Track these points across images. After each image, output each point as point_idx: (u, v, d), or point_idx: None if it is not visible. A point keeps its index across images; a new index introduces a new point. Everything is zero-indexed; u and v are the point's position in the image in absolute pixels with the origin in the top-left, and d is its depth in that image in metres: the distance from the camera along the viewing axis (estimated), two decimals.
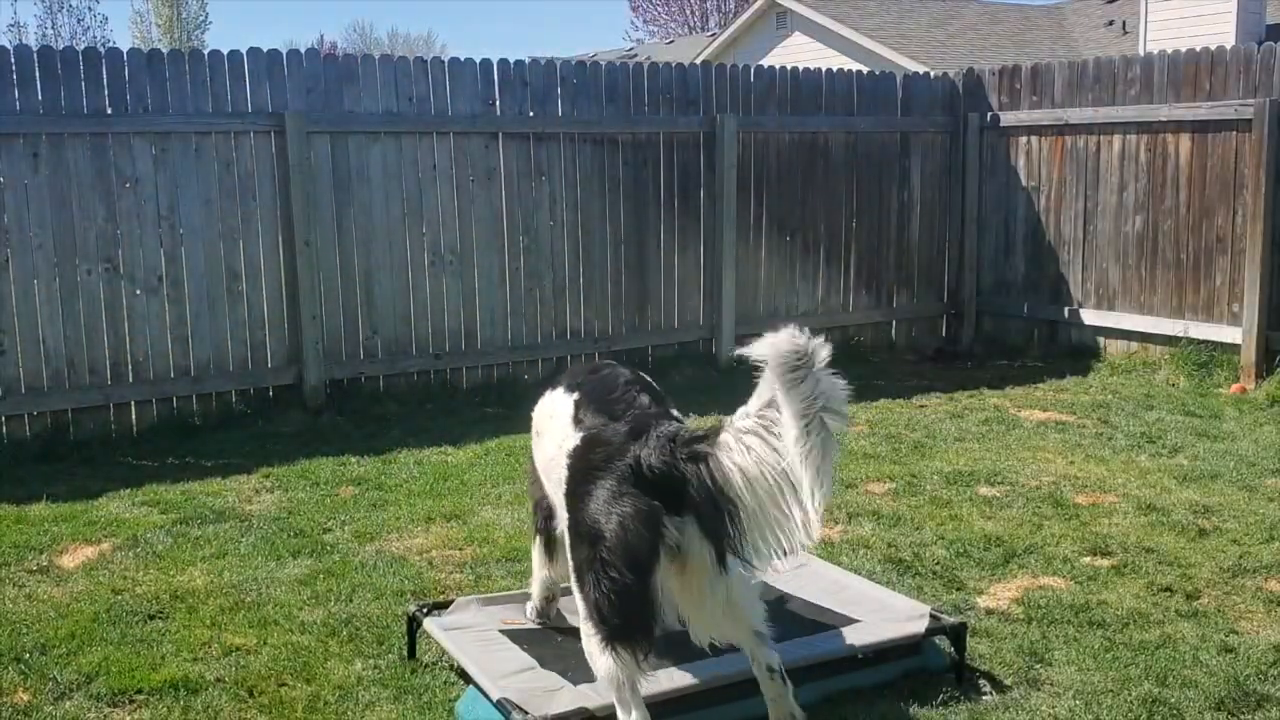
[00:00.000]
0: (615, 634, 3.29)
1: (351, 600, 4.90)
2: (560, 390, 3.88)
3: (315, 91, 8.22)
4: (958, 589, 4.95)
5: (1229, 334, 8.97)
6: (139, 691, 4.10)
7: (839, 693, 3.97)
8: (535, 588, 4.32)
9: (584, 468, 3.45)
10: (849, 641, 4.07)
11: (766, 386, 3.21)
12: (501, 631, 4.19)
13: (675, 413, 3.74)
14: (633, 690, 3.39)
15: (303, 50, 8.39)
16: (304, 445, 7.46)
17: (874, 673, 4.06)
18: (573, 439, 3.60)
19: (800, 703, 3.92)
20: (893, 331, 10.93)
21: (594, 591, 3.31)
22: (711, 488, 3.23)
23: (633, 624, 3.27)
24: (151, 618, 4.76)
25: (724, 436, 3.28)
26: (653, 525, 3.25)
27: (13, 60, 7.32)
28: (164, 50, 8.06)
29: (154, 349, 7.86)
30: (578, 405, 3.70)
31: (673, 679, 3.80)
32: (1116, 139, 9.78)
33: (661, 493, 3.29)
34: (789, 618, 4.30)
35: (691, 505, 3.28)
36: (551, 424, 3.82)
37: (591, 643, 3.39)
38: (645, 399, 3.67)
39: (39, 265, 7.48)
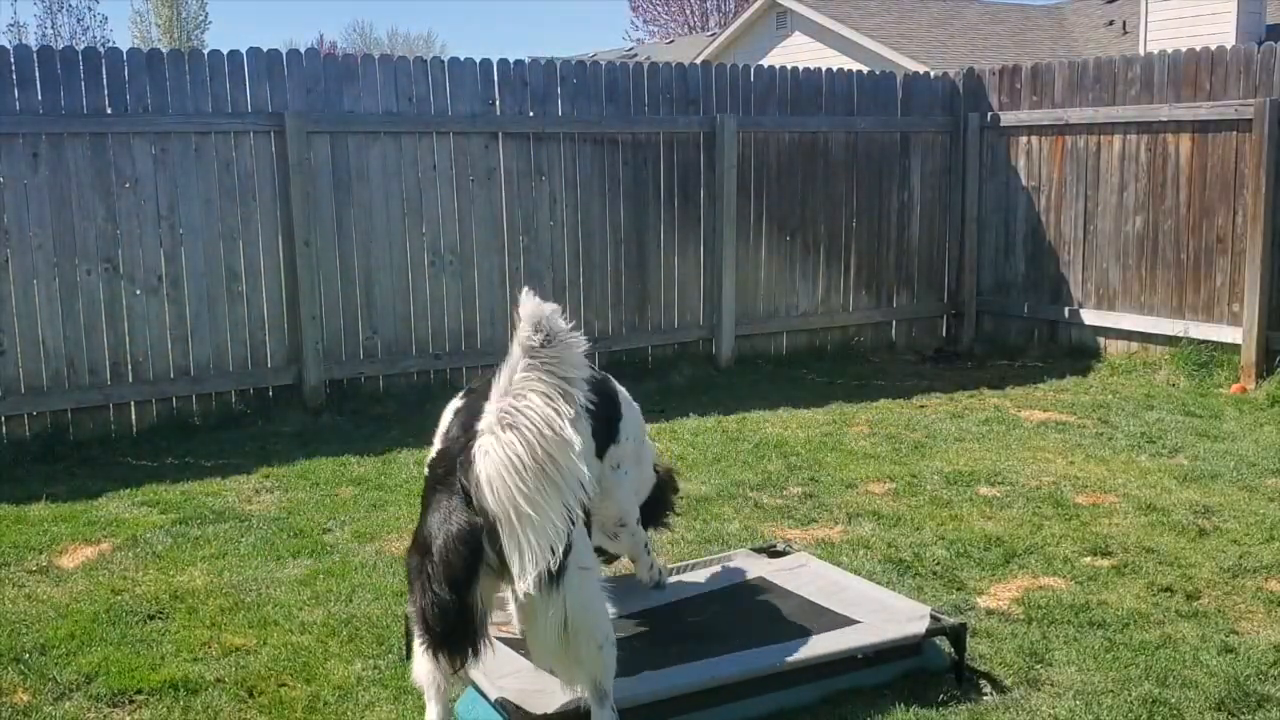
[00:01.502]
0: (437, 641, 3.37)
1: (351, 600, 4.90)
2: (457, 397, 3.87)
3: (315, 91, 8.22)
4: (958, 589, 4.94)
5: (1229, 334, 8.97)
6: (139, 691, 4.10)
7: (839, 693, 3.97)
8: None
9: (431, 479, 3.53)
10: (849, 642, 4.07)
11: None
12: (499, 638, 4.18)
13: None
14: (439, 691, 3.55)
15: (302, 50, 8.38)
16: (304, 445, 7.46)
17: (874, 673, 4.06)
18: (434, 449, 3.69)
19: (801, 703, 3.93)
20: (893, 331, 10.92)
21: (419, 600, 3.38)
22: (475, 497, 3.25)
23: (453, 635, 3.34)
24: (151, 618, 4.76)
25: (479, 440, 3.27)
26: (471, 544, 3.27)
27: (12, 60, 7.32)
28: (164, 50, 8.06)
29: (154, 349, 7.85)
30: (455, 414, 3.70)
31: (673, 680, 3.80)
32: (1116, 139, 9.78)
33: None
34: (788, 618, 4.30)
35: None
36: (439, 430, 3.83)
37: (416, 642, 3.52)
38: None
39: (39, 265, 7.48)
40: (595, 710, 3.49)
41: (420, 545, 3.42)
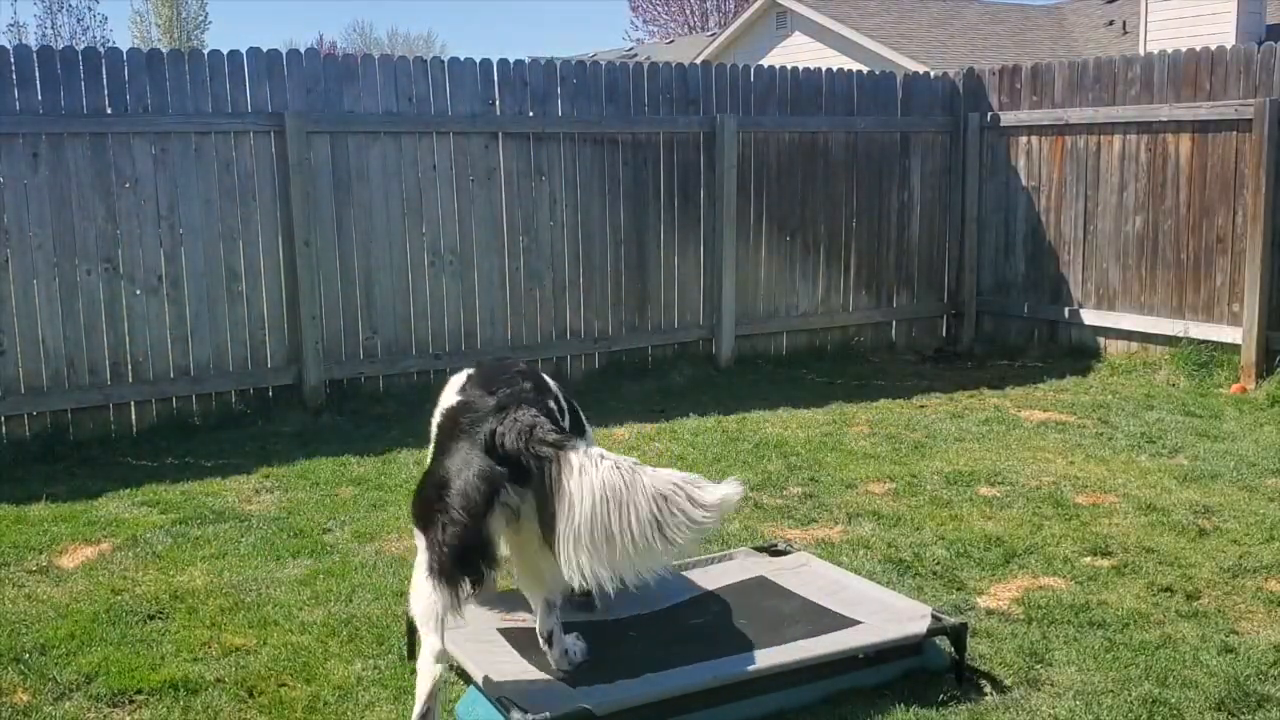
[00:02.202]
0: (450, 561, 3.53)
1: (351, 600, 4.90)
2: (463, 369, 4.22)
3: (315, 91, 8.22)
4: (958, 589, 4.95)
5: (1229, 334, 8.97)
6: (139, 691, 4.10)
7: (839, 693, 3.97)
8: None
9: (451, 427, 3.77)
10: (849, 642, 4.07)
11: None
12: (500, 631, 4.20)
13: (554, 405, 3.95)
14: (439, 622, 3.58)
15: (302, 50, 8.38)
16: (304, 445, 7.46)
17: (875, 673, 4.06)
18: (451, 401, 3.95)
19: (801, 703, 3.93)
20: (893, 331, 10.92)
21: (437, 531, 3.57)
22: (546, 488, 3.55)
23: (467, 554, 3.53)
24: (151, 618, 4.76)
25: (573, 456, 3.55)
26: (493, 484, 3.55)
27: (12, 60, 7.31)
28: (164, 50, 8.05)
29: (154, 349, 7.85)
30: (468, 379, 4.04)
31: (674, 680, 3.80)
32: (1116, 139, 9.78)
33: (510, 465, 3.59)
34: (789, 618, 4.30)
35: (533, 486, 3.60)
36: (446, 392, 4.14)
37: (419, 572, 3.64)
38: (527, 384, 3.88)
39: (39, 265, 7.48)
40: (544, 615, 3.93)
41: (437, 482, 3.63)
